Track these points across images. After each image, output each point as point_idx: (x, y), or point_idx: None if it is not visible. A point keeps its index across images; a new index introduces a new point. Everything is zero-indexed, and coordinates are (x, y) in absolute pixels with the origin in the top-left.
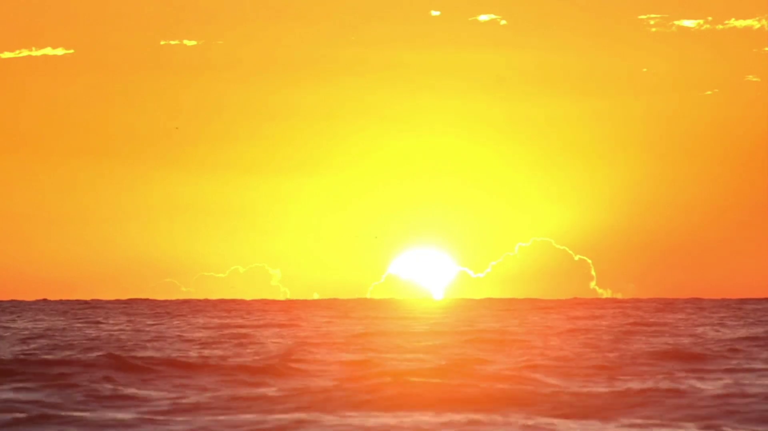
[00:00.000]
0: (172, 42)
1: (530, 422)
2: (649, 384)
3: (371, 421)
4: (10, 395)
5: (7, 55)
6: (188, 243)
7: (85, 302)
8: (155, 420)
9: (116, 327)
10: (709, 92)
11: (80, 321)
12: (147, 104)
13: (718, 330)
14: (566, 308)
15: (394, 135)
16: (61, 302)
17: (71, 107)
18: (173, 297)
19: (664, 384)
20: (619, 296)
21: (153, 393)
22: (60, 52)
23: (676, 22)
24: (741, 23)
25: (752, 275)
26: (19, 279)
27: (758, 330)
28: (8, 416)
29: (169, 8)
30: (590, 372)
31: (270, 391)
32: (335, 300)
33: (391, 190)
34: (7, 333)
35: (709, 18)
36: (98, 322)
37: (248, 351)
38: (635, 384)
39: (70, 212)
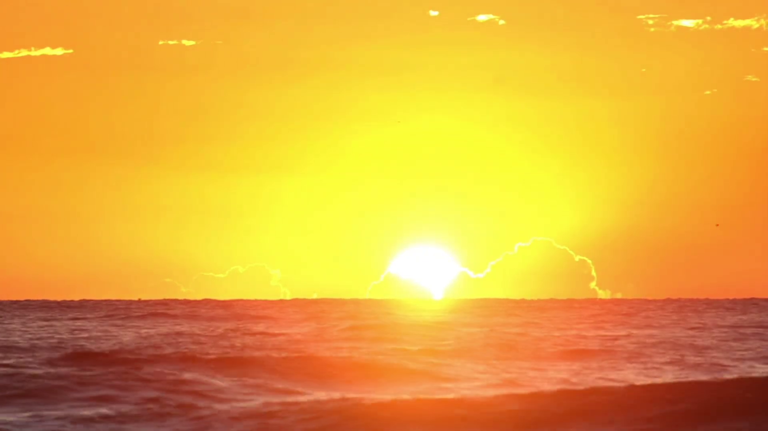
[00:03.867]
0: (171, 42)
1: None
2: None
3: None
4: None
5: (6, 54)
6: (188, 243)
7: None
8: None
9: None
10: (708, 92)
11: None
12: (147, 104)
13: None
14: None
15: (393, 134)
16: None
17: (70, 107)
18: (172, 298)
19: None
20: (618, 296)
21: None
22: (59, 51)
23: (675, 22)
24: (740, 23)
25: (753, 275)
26: (15, 279)
27: None
28: None
29: (167, 8)
30: None
31: None
32: (332, 300)
33: (392, 189)
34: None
35: (708, 18)
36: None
37: None
38: None
39: (71, 212)
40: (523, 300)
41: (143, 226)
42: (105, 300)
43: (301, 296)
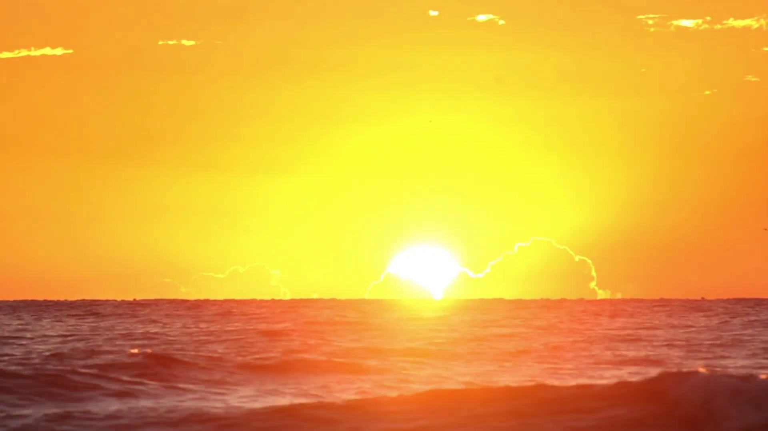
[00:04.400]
0: (171, 42)
1: None
2: None
3: None
4: None
5: (6, 54)
6: (187, 243)
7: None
8: None
9: None
10: (708, 92)
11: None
12: (146, 104)
13: None
14: None
15: (393, 133)
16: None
17: (70, 107)
18: (172, 298)
19: None
20: (618, 296)
21: None
22: (59, 52)
23: (675, 22)
24: (739, 23)
25: (752, 275)
26: (14, 279)
27: None
28: None
29: (167, 8)
30: None
31: None
32: (332, 300)
33: (392, 189)
34: None
35: (708, 18)
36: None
37: None
38: None
39: (70, 212)
40: (520, 300)
41: (142, 226)
42: (99, 300)
43: (301, 296)
